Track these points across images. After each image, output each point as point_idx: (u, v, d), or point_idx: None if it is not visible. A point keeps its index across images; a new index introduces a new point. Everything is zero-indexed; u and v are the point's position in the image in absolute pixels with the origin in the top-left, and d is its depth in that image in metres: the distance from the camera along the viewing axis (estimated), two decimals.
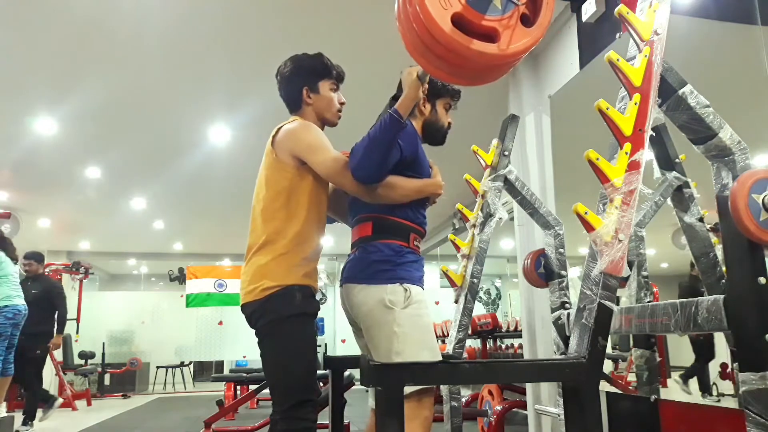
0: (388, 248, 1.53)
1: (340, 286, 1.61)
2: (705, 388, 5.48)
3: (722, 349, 5.45)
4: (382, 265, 1.51)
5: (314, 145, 1.51)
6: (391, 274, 1.50)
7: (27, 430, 4.59)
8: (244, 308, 1.57)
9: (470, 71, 1.08)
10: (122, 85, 3.77)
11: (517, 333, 4.13)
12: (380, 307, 1.47)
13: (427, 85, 1.53)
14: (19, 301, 4.15)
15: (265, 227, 1.54)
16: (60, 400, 4.79)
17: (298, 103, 1.66)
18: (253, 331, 1.58)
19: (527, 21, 1.02)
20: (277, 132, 1.60)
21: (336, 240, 8.48)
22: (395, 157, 1.47)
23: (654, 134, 1.48)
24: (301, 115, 1.66)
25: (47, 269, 7.36)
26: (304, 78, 1.65)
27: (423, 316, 1.51)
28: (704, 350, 5.54)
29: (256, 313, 1.53)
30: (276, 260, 1.50)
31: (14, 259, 4.30)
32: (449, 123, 1.76)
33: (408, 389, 1.41)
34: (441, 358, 1.52)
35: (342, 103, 1.70)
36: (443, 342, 2.19)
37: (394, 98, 1.61)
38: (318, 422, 1.49)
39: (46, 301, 4.85)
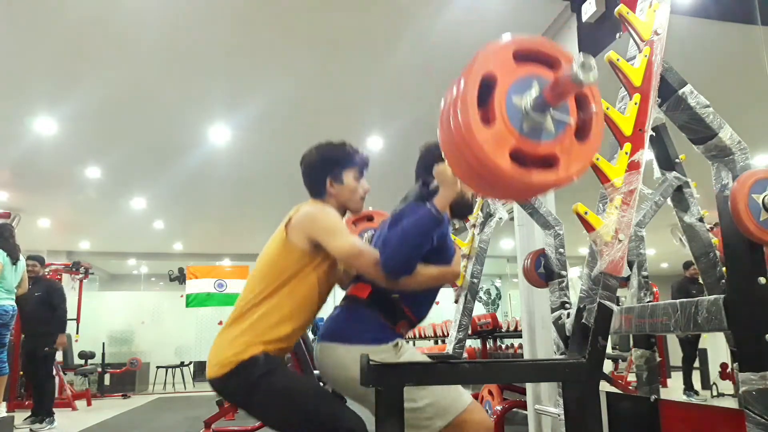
0: (375, 321, 1.48)
1: (317, 342, 1.54)
2: (689, 386, 5.49)
3: (722, 349, 5.45)
4: (367, 333, 1.46)
5: (332, 229, 1.48)
6: (378, 336, 1.46)
7: (44, 428, 4.62)
8: (211, 383, 1.49)
9: (525, 195, 1.04)
10: (122, 85, 3.77)
11: (517, 333, 4.12)
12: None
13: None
14: (9, 302, 4.19)
15: (252, 300, 1.50)
16: (55, 424, 4.80)
17: (321, 193, 1.63)
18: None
19: (581, 136, 0.96)
20: (294, 213, 1.55)
21: None
22: (426, 249, 1.42)
23: (654, 134, 1.48)
24: (322, 201, 1.63)
25: (47, 269, 7.37)
26: (328, 169, 1.62)
27: (417, 354, 1.49)
28: (686, 350, 5.55)
29: (226, 388, 1.46)
30: (248, 334, 1.46)
31: (15, 260, 4.31)
32: (473, 194, 1.71)
33: (467, 399, 1.40)
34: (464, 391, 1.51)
35: (366, 190, 1.67)
36: (443, 342, 2.19)
37: (425, 184, 1.56)
38: None
39: (48, 301, 4.88)
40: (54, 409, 4.93)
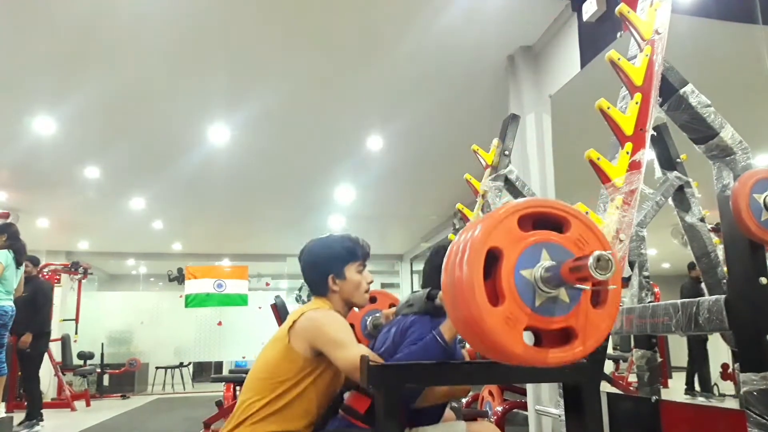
0: None
1: None
2: (690, 386, 5.49)
3: (722, 350, 5.44)
4: None
5: (338, 340, 1.41)
6: None
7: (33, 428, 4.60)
8: None
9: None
10: (121, 85, 3.76)
11: None
12: None
13: None
14: (8, 303, 4.19)
15: (255, 413, 1.45)
16: (36, 428, 4.76)
17: (324, 291, 1.58)
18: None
19: (597, 299, 0.89)
20: (298, 318, 1.50)
21: None
22: None
23: (655, 134, 1.47)
24: (326, 299, 1.59)
25: (46, 269, 7.35)
26: (330, 266, 1.57)
27: None
28: (693, 350, 5.54)
29: None
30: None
31: (20, 263, 4.32)
32: None
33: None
34: None
35: (369, 283, 1.63)
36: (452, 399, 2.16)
37: (429, 298, 1.51)
38: None
39: (32, 302, 4.84)
40: (53, 410, 4.91)
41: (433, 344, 1.32)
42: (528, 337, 0.86)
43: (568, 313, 0.85)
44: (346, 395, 1.53)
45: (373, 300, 2.06)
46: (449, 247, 0.89)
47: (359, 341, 1.59)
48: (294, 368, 1.45)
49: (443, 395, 1.49)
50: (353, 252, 1.60)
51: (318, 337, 1.44)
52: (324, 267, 1.57)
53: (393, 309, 1.71)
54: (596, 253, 0.77)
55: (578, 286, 0.84)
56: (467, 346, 1.67)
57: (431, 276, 1.58)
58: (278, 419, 1.44)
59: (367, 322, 1.89)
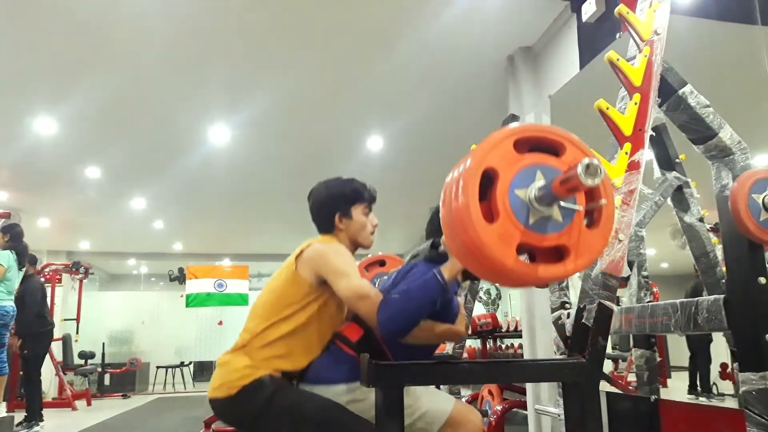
0: (356, 364, 1.43)
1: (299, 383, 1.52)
2: (693, 386, 5.48)
3: (721, 350, 5.44)
4: (341, 368, 1.46)
5: (341, 269, 1.46)
6: (340, 375, 1.45)
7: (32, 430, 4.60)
8: (213, 405, 1.49)
9: (537, 286, 1.05)
10: (122, 85, 3.77)
11: (517, 333, 4.12)
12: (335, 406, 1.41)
13: None
14: (9, 303, 4.20)
15: (256, 329, 1.49)
16: (35, 429, 4.74)
17: (330, 229, 1.63)
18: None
19: (591, 220, 0.91)
20: (306, 247, 1.55)
21: None
22: (428, 312, 1.40)
23: (654, 134, 1.48)
24: (332, 236, 1.63)
25: (47, 269, 7.36)
26: (337, 205, 1.62)
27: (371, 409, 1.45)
28: (696, 351, 5.54)
29: (227, 412, 1.48)
30: (254, 362, 1.46)
31: (22, 265, 4.32)
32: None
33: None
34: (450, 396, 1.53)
35: (375, 225, 1.67)
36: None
37: (433, 246, 1.54)
38: None
39: (21, 303, 4.78)
40: (54, 410, 4.91)
41: (432, 281, 1.35)
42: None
43: (561, 232, 0.88)
44: (341, 328, 1.57)
45: (382, 263, 2.11)
46: (447, 180, 0.91)
47: None
48: (300, 293, 1.50)
49: (436, 336, 1.51)
50: (360, 194, 1.64)
51: (323, 265, 1.48)
52: (332, 205, 1.62)
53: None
54: (585, 160, 0.80)
55: (571, 206, 0.87)
56: (461, 300, 1.73)
57: (432, 235, 1.62)
58: (281, 347, 1.46)
59: (376, 284, 1.93)
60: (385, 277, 1.91)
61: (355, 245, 1.65)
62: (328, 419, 1.41)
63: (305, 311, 1.49)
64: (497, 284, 1.38)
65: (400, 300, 1.36)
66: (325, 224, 1.64)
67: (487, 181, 0.86)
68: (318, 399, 1.43)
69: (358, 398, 1.43)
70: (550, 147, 0.91)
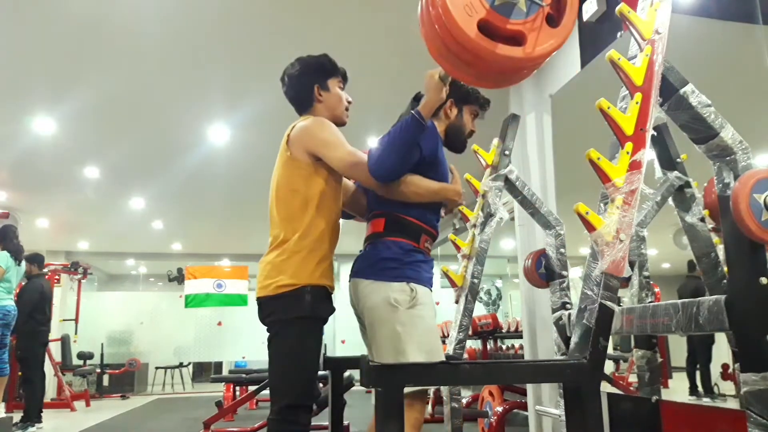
0: (397, 246, 1.52)
1: (349, 280, 1.61)
2: (694, 388, 5.48)
3: (722, 350, 5.44)
4: (390, 263, 1.50)
5: (329, 141, 1.52)
6: (399, 272, 1.49)
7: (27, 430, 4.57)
8: (258, 302, 1.57)
9: (496, 75, 1.09)
10: (121, 85, 3.76)
11: (517, 334, 4.12)
12: (385, 304, 1.47)
13: (448, 87, 1.51)
14: (9, 302, 4.19)
15: (282, 225, 1.55)
16: (30, 430, 4.71)
17: (309, 102, 1.67)
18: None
19: (552, 21, 1.02)
20: (290, 130, 1.61)
21: None
22: (415, 157, 1.47)
23: (655, 134, 1.47)
24: (312, 114, 1.66)
25: (45, 269, 7.35)
26: (314, 76, 1.67)
27: (426, 318, 1.50)
28: (697, 352, 5.53)
29: (266, 308, 1.54)
30: (292, 258, 1.51)
31: (19, 261, 4.31)
32: (472, 131, 1.74)
33: (406, 389, 1.40)
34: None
35: (349, 102, 1.72)
36: (444, 342, 2.18)
37: (416, 99, 1.62)
38: (318, 423, 1.49)
39: (18, 301, 4.79)
40: (53, 410, 4.90)
41: (409, 120, 1.40)
42: None
43: (524, 20, 0.97)
44: (367, 232, 1.63)
45: None
46: None
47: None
48: (302, 174, 1.55)
49: (433, 192, 1.55)
50: (335, 67, 1.70)
51: (310, 140, 1.53)
52: (309, 78, 1.67)
53: None
54: None
55: (537, 0, 0.97)
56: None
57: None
58: (309, 229, 1.52)
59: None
60: None
61: (334, 120, 1.66)
62: (299, 371, 1.48)
63: (312, 197, 1.54)
64: (467, 81, 1.39)
65: (384, 144, 1.42)
66: (302, 99, 1.67)
67: None
68: (313, 352, 1.51)
69: (420, 302, 1.50)
70: None
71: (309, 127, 1.56)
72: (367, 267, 1.54)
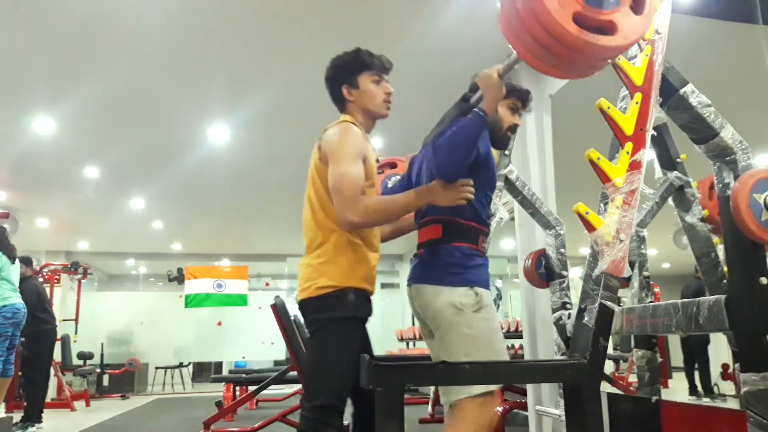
0: (458, 251, 1.52)
1: (408, 285, 1.61)
2: (693, 388, 5.49)
3: (722, 350, 5.44)
4: (453, 268, 1.51)
5: (338, 154, 1.50)
6: (462, 277, 1.50)
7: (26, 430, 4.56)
8: (299, 304, 1.57)
9: (585, 66, 1.10)
10: (121, 85, 3.76)
11: (517, 333, 4.12)
12: (450, 308, 1.47)
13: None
14: (17, 300, 4.13)
15: (319, 227, 1.55)
16: (30, 430, 4.69)
17: (342, 103, 1.67)
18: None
19: (636, 7, 1.05)
20: (321, 138, 1.61)
21: None
22: (473, 154, 1.44)
23: (655, 134, 1.48)
24: (348, 113, 1.65)
25: (45, 269, 7.35)
26: (342, 76, 1.65)
27: (491, 320, 1.52)
28: (694, 353, 5.53)
29: (308, 309, 1.54)
30: (332, 260, 1.52)
31: (12, 259, 4.28)
32: (513, 125, 1.71)
33: (475, 390, 1.41)
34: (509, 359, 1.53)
35: (388, 93, 1.68)
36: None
37: (464, 99, 1.61)
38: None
39: None
40: (53, 410, 4.87)
41: (475, 119, 1.39)
42: None
43: (614, 9, 1.01)
44: (420, 237, 1.63)
45: (393, 166, 2.15)
46: None
47: None
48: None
49: (401, 208, 1.52)
50: (364, 62, 1.64)
51: (328, 147, 1.53)
52: (338, 79, 1.65)
53: (411, 155, 1.81)
54: None
55: None
56: None
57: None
58: (340, 247, 1.51)
59: (388, 183, 2.00)
60: (397, 177, 1.99)
61: (370, 116, 1.66)
62: (332, 374, 1.48)
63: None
64: (552, 73, 1.32)
65: (448, 143, 1.38)
66: (337, 100, 1.67)
67: None
68: (349, 355, 1.49)
69: (484, 304, 1.50)
70: None
71: (330, 135, 1.56)
72: (430, 273, 1.54)
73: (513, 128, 1.72)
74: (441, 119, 1.65)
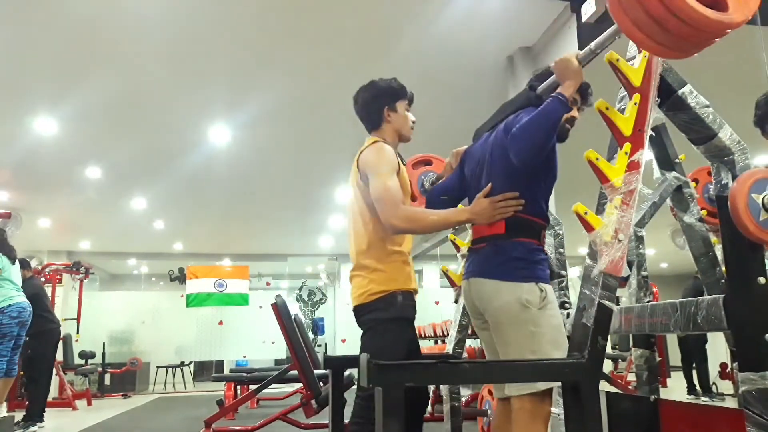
0: (523, 247, 1.51)
1: (466, 279, 1.62)
2: (691, 387, 5.49)
3: (721, 350, 5.44)
4: (519, 263, 1.49)
5: (377, 169, 1.64)
6: (528, 272, 1.49)
7: (28, 429, 4.58)
8: (354, 310, 1.73)
9: (693, 43, 1.09)
10: (123, 85, 3.78)
11: None
12: (516, 305, 1.46)
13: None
14: (21, 299, 4.13)
15: (366, 234, 1.70)
16: (32, 429, 4.70)
17: (378, 122, 1.81)
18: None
19: None
20: (358, 157, 1.75)
21: (336, 240, 8.48)
22: (552, 142, 1.45)
23: (653, 134, 1.48)
24: (380, 133, 1.81)
25: (47, 269, 7.35)
26: (385, 99, 1.81)
27: (556, 317, 1.52)
28: (692, 352, 5.54)
29: (361, 313, 1.70)
30: (380, 267, 1.67)
31: (13, 260, 4.29)
32: (572, 117, 1.67)
33: (540, 386, 1.43)
34: None
35: (413, 121, 1.87)
36: (443, 342, 2.20)
37: (531, 88, 1.62)
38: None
39: None
40: (54, 410, 4.88)
41: (557, 104, 1.38)
42: None
43: None
44: (482, 231, 1.62)
45: (428, 163, 2.23)
46: None
47: (414, 199, 1.92)
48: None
49: (447, 222, 1.60)
50: (403, 90, 1.84)
51: (365, 165, 1.68)
52: (382, 99, 1.81)
53: (461, 149, 1.84)
54: None
55: None
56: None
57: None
58: (388, 241, 1.66)
59: (423, 181, 2.08)
60: (432, 174, 2.06)
61: (399, 137, 1.84)
62: (393, 357, 1.59)
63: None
64: (656, 52, 1.29)
65: (529, 127, 1.38)
66: (373, 119, 1.81)
67: None
68: (400, 351, 1.63)
69: (549, 301, 1.51)
70: None
71: (367, 154, 1.70)
72: (493, 267, 1.53)
73: (572, 121, 1.67)
74: (501, 108, 1.68)
